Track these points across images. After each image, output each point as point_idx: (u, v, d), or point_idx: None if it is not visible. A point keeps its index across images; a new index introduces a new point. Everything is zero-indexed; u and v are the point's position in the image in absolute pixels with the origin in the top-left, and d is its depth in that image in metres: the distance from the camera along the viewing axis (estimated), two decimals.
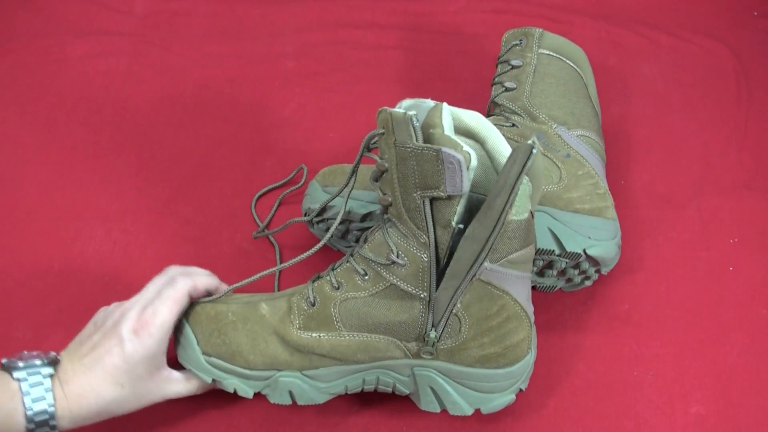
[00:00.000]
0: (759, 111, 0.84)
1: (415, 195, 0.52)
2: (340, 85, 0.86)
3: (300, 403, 0.59)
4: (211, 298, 0.61)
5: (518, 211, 0.52)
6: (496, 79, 0.74)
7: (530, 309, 0.58)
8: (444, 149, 0.49)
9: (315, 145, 0.80)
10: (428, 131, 0.51)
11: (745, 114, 0.83)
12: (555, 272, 0.66)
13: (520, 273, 0.55)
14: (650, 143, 0.81)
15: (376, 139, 0.55)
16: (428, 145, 0.50)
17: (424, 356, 0.57)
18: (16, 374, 0.52)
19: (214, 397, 0.63)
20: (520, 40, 0.74)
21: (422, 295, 0.54)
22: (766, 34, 0.91)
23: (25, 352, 0.54)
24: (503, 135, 0.69)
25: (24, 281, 0.70)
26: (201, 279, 0.60)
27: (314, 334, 0.57)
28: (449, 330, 0.56)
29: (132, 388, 0.55)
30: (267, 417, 0.63)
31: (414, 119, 0.51)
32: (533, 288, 0.70)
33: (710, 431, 0.63)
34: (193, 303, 0.60)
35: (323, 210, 0.66)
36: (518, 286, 0.55)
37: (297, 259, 0.59)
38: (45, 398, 0.52)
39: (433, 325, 0.55)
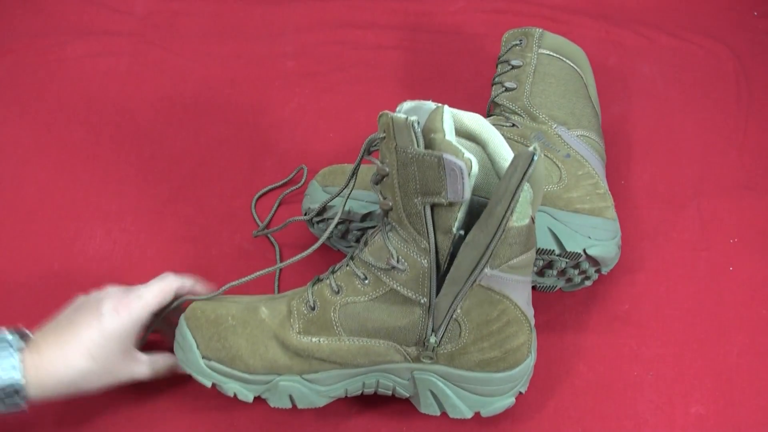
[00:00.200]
0: (759, 111, 0.84)
1: (416, 201, 0.52)
2: (340, 85, 0.86)
3: (300, 406, 0.59)
4: (208, 295, 0.61)
5: (519, 218, 0.51)
6: (496, 79, 0.74)
7: (530, 313, 0.58)
8: (446, 156, 0.49)
9: (315, 145, 0.80)
10: (429, 136, 0.51)
11: (745, 114, 0.83)
12: (555, 272, 0.66)
13: (521, 277, 0.55)
14: (650, 143, 0.81)
15: (376, 142, 0.55)
16: (430, 151, 0.50)
17: (424, 360, 0.57)
18: None
19: (214, 397, 0.63)
20: (520, 40, 0.74)
21: (422, 301, 0.54)
22: (766, 34, 0.91)
23: None
24: (503, 135, 0.69)
25: (24, 281, 0.70)
26: (190, 281, 0.62)
27: (314, 339, 0.57)
28: (449, 335, 0.56)
29: (103, 363, 0.56)
30: (267, 417, 0.63)
31: (415, 125, 0.50)
32: (533, 288, 0.70)
33: (710, 431, 0.63)
34: (192, 305, 0.60)
35: (323, 210, 0.66)
36: (518, 291, 0.55)
37: (296, 258, 0.59)
38: (14, 367, 0.52)
39: (433, 330, 0.55)
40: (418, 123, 0.51)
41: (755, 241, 0.74)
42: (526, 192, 0.51)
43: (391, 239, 0.54)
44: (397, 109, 0.55)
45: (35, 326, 0.67)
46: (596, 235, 0.64)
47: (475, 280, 0.53)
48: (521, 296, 0.56)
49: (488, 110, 0.75)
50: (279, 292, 0.70)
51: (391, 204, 0.54)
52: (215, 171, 0.78)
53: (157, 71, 0.87)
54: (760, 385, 0.65)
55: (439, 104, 0.53)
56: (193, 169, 0.79)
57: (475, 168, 0.50)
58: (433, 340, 0.55)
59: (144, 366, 0.60)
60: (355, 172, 0.58)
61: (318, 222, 0.68)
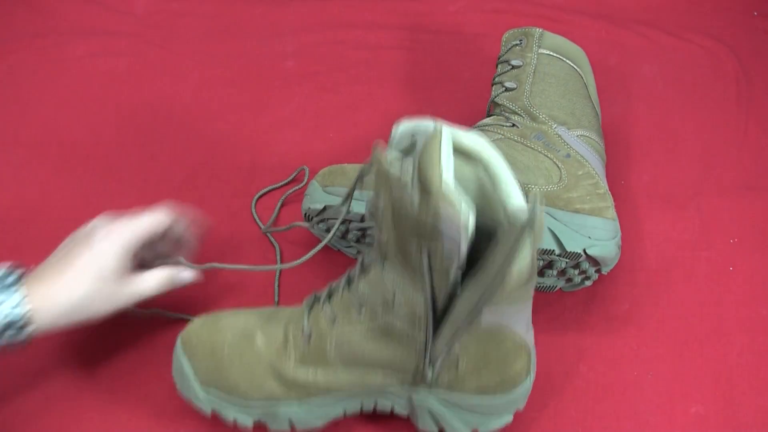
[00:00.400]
0: (759, 111, 0.84)
1: (411, 241, 0.49)
2: (340, 85, 0.86)
3: (299, 428, 0.58)
4: (198, 266, 0.60)
5: (519, 269, 0.48)
6: (496, 79, 0.74)
7: (530, 337, 0.56)
8: (443, 221, 0.46)
9: (315, 145, 0.80)
10: (425, 176, 0.47)
11: (745, 114, 0.83)
12: (555, 272, 0.66)
13: (520, 306, 0.53)
14: (650, 143, 0.81)
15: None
16: (424, 207, 0.47)
17: (422, 388, 0.56)
18: None
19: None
20: (520, 40, 0.74)
21: (419, 338, 0.53)
22: (766, 34, 0.91)
23: None
24: (503, 135, 0.69)
25: None
26: (182, 222, 0.64)
27: (311, 370, 0.56)
28: (447, 366, 0.54)
29: (102, 285, 0.57)
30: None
31: (411, 184, 0.47)
32: None
33: (710, 431, 0.63)
34: (188, 329, 0.60)
35: (323, 210, 0.66)
36: (518, 318, 0.54)
37: (295, 263, 0.60)
38: (20, 301, 0.53)
39: (430, 363, 0.54)
40: (414, 179, 0.47)
41: (755, 241, 0.74)
42: (529, 239, 0.48)
43: (387, 271, 0.52)
44: (393, 129, 0.52)
45: None
46: (596, 236, 0.64)
47: (473, 321, 0.51)
48: (521, 322, 0.54)
49: (488, 110, 0.75)
50: (279, 293, 0.70)
51: (386, 239, 0.51)
52: (215, 171, 0.78)
53: (157, 71, 0.87)
54: (760, 385, 0.65)
55: (438, 123, 0.51)
56: (193, 169, 0.79)
57: (472, 220, 0.47)
58: (430, 374, 0.54)
59: (147, 282, 0.60)
60: (350, 195, 0.58)
61: (318, 222, 0.68)
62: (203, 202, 0.76)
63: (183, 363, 0.58)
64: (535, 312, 0.69)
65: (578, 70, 0.73)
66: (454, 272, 0.49)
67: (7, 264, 0.56)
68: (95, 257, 0.57)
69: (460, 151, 0.53)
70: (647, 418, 0.64)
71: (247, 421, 0.58)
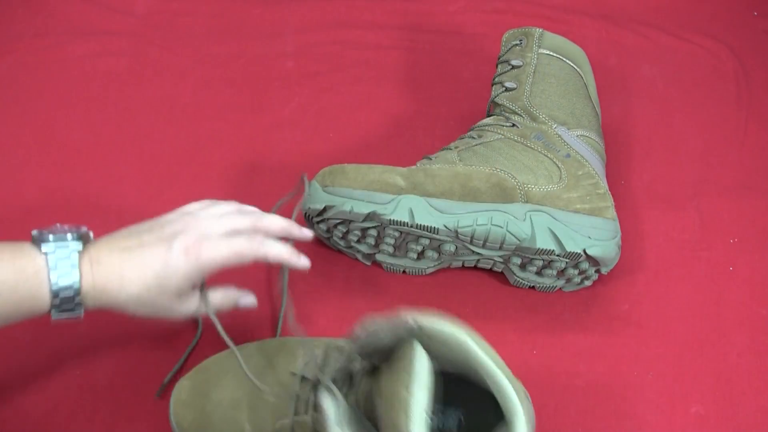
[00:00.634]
0: (759, 111, 0.84)
1: None
2: (340, 85, 0.86)
3: None
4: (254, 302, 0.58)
5: None
6: (496, 79, 0.74)
7: None
8: None
9: (315, 145, 0.80)
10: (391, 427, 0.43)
11: (745, 114, 0.83)
12: (555, 272, 0.66)
13: None
14: (650, 143, 0.81)
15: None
16: None
17: None
18: (44, 247, 0.51)
19: None
20: (520, 40, 0.74)
21: None
22: (766, 34, 0.91)
23: (58, 225, 0.53)
24: (503, 135, 0.69)
25: None
26: (275, 249, 0.57)
27: None
28: None
29: (156, 296, 0.53)
30: None
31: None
32: (533, 288, 0.70)
33: (710, 431, 0.63)
34: (177, 387, 0.58)
35: (324, 210, 0.66)
36: None
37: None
38: (71, 274, 0.50)
39: None
40: None
41: (755, 241, 0.74)
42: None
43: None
44: (359, 333, 0.48)
45: (35, 326, 0.67)
46: (596, 236, 0.64)
47: None
48: None
49: (488, 110, 0.75)
50: (286, 293, 0.69)
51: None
52: (215, 171, 0.78)
53: (157, 71, 0.87)
54: (760, 385, 0.65)
55: (412, 328, 0.45)
56: (193, 169, 0.78)
57: None
58: None
59: (189, 304, 0.56)
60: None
61: (318, 222, 0.68)
62: None
63: (173, 425, 0.58)
64: (535, 312, 0.69)
65: (578, 70, 0.73)
66: None
67: (71, 229, 0.53)
68: (162, 268, 0.52)
69: (442, 352, 0.47)
70: (647, 418, 0.64)
71: None
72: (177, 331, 0.67)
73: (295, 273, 0.70)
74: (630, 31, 0.91)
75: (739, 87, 0.86)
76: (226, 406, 0.57)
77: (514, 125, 0.70)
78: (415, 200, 0.64)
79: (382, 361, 0.49)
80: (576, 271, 0.66)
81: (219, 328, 0.56)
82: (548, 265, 0.66)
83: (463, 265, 0.70)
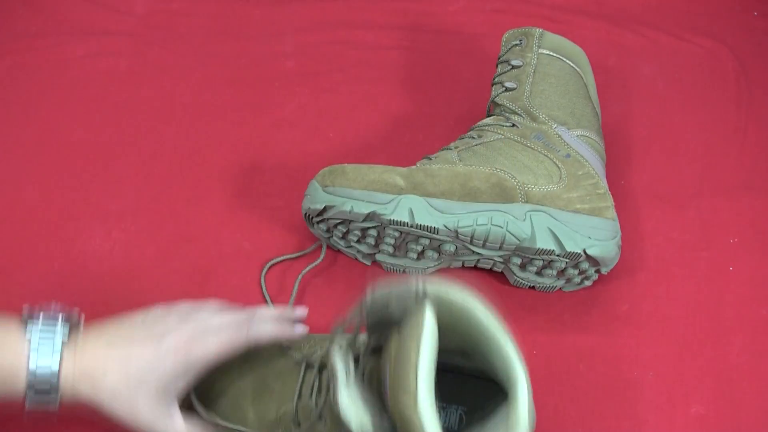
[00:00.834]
0: (759, 111, 0.84)
1: None
2: (340, 85, 0.86)
3: None
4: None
5: None
6: (496, 79, 0.74)
7: None
8: None
9: (315, 145, 0.80)
10: (399, 393, 0.43)
11: (745, 114, 0.83)
12: (554, 272, 0.66)
13: None
14: (650, 143, 0.81)
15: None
16: None
17: None
18: (29, 333, 0.50)
19: None
20: (520, 40, 0.74)
21: None
22: (766, 34, 0.91)
23: (53, 305, 0.52)
24: (503, 135, 0.69)
25: (24, 281, 0.70)
26: (264, 330, 0.57)
27: None
28: None
29: (133, 395, 0.51)
30: None
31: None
32: (533, 288, 0.70)
33: (710, 431, 0.63)
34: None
35: (323, 210, 0.66)
36: None
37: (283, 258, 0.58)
38: (51, 357, 0.49)
39: None
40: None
41: (755, 241, 0.74)
42: None
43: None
44: (367, 297, 0.48)
45: None
46: (596, 236, 0.64)
47: None
48: None
49: (488, 110, 0.75)
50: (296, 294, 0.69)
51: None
52: (215, 171, 0.78)
53: (157, 71, 0.87)
54: (760, 385, 0.65)
55: (420, 290, 0.45)
56: (193, 169, 0.78)
57: None
58: None
59: (174, 426, 0.53)
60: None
61: (318, 222, 0.68)
62: (203, 202, 0.76)
63: None
64: (535, 312, 0.69)
65: (578, 70, 0.73)
66: None
67: (62, 315, 0.52)
68: (148, 366, 0.51)
69: (447, 314, 0.47)
70: (647, 418, 0.64)
71: None
72: None
73: (294, 273, 0.70)
74: (630, 31, 0.91)
75: (739, 87, 0.86)
76: (231, 393, 0.57)
77: (514, 125, 0.70)
78: (415, 200, 0.64)
79: (386, 333, 0.48)
80: (576, 271, 0.66)
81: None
82: (548, 265, 0.66)
83: (463, 265, 0.70)
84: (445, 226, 0.63)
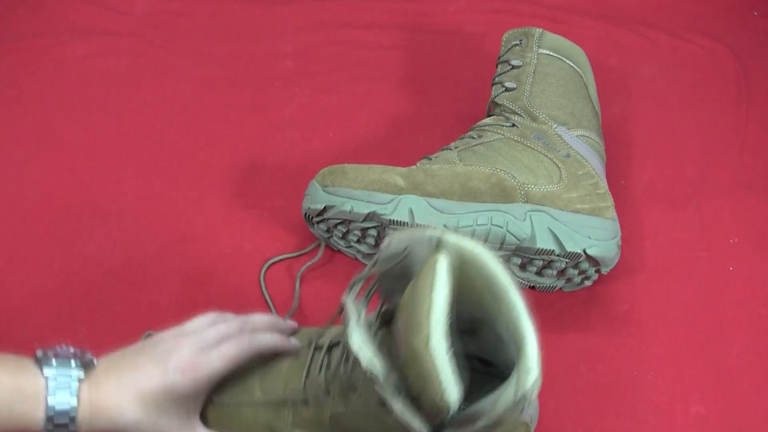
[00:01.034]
0: (759, 111, 0.84)
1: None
2: (340, 85, 0.86)
3: None
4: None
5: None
6: (496, 79, 0.74)
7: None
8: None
9: (315, 145, 0.80)
10: (411, 335, 0.43)
11: (745, 114, 0.83)
12: (555, 272, 0.66)
13: None
14: (650, 143, 0.81)
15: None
16: (389, 407, 0.44)
17: None
18: (46, 371, 0.50)
19: None
20: (520, 41, 0.74)
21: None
22: (766, 34, 0.91)
23: (64, 347, 0.53)
24: (503, 135, 0.69)
25: (24, 281, 0.70)
26: (265, 340, 0.57)
27: None
28: None
29: (156, 420, 0.52)
30: None
31: (379, 379, 0.44)
32: (533, 288, 0.70)
33: (710, 431, 0.63)
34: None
35: (323, 210, 0.66)
36: None
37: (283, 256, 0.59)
38: (69, 402, 0.50)
39: None
40: (382, 380, 0.45)
41: (755, 241, 0.74)
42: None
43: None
44: (385, 244, 0.48)
45: (35, 326, 0.67)
46: (596, 236, 0.64)
47: None
48: None
49: (488, 110, 0.75)
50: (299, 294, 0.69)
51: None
52: (215, 171, 0.78)
53: (157, 71, 0.87)
54: (760, 385, 0.65)
55: (435, 237, 0.45)
56: (193, 169, 0.78)
57: (453, 409, 0.43)
58: None
59: None
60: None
61: (318, 222, 0.68)
62: (203, 202, 0.76)
63: None
64: (535, 312, 0.69)
65: (578, 70, 0.73)
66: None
67: (74, 352, 0.53)
68: (159, 389, 0.52)
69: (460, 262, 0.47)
70: (647, 418, 0.64)
71: None
72: None
73: (293, 273, 0.70)
74: (630, 31, 0.91)
75: (739, 87, 0.86)
76: (238, 372, 0.57)
77: (514, 125, 0.70)
78: (415, 200, 0.64)
79: (399, 289, 0.48)
80: (576, 271, 0.66)
81: None
82: (548, 265, 0.66)
83: None
84: (445, 226, 0.63)
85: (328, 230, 0.69)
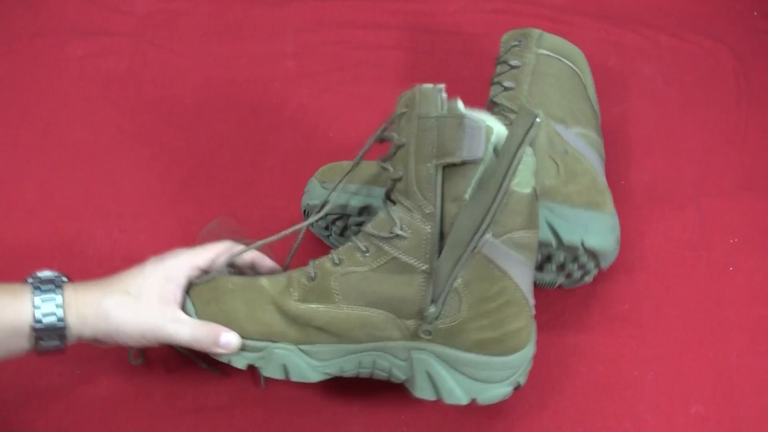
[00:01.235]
0: (759, 111, 0.84)
1: (429, 165, 0.54)
2: (340, 85, 0.86)
3: (293, 378, 0.58)
4: (209, 276, 0.60)
5: (521, 183, 0.53)
6: (495, 79, 0.74)
7: (531, 300, 0.57)
8: (468, 116, 0.53)
9: (315, 145, 0.80)
10: (452, 107, 0.54)
11: (745, 114, 0.83)
12: (554, 266, 0.66)
13: (523, 258, 0.55)
14: (650, 143, 0.81)
15: (387, 131, 0.57)
16: (453, 113, 0.53)
17: (422, 336, 0.56)
18: (29, 280, 0.56)
19: (214, 396, 0.63)
20: (520, 41, 0.74)
21: (423, 268, 0.55)
22: (766, 34, 0.91)
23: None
24: None
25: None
26: (247, 255, 0.62)
27: (313, 306, 0.57)
28: (448, 308, 0.55)
29: (138, 300, 0.56)
30: (267, 417, 0.63)
31: (443, 92, 0.54)
32: (533, 284, 0.70)
33: (710, 431, 0.63)
34: (192, 282, 0.60)
35: (322, 207, 0.66)
36: (520, 272, 0.56)
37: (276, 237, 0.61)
38: (54, 299, 0.54)
39: (432, 300, 0.55)
40: (443, 89, 0.54)
41: (755, 241, 0.74)
42: (529, 158, 0.53)
43: (395, 210, 0.56)
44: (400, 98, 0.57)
45: None
46: (594, 228, 0.64)
47: (476, 246, 0.53)
48: (523, 278, 0.56)
49: (487, 109, 0.75)
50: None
51: (401, 173, 0.55)
52: (215, 171, 0.78)
53: (157, 71, 0.87)
54: (760, 385, 0.65)
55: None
56: (193, 169, 0.79)
57: (494, 137, 0.53)
58: (432, 310, 0.55)
59: (184, 327, 0.57)
60: (359, 160, 0.61)
61: (317, 219, 0.68)
62: (203, 202, 0.76)
63: (185, 302, 0.59)
64: (535, 312, 0.69)
65: (577, 70, 0.73)
66: (468, 197, 0.53)
67: (54, 272, 0.57)
68: (140, 272, 0.57)
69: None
70: (647, 418, 0.64)
71: (240, 362, 0.58)
72: None
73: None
74: (630, 31, 0.91)
75: (739, 87, 0.86)
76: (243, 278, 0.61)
77: (512, 124, 0.70)
78: None
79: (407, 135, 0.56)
80: (575, 266, 0.66)
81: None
82: (548, 259, 0.66)
83: None
84: None
85: (326, 227, 0.69)
